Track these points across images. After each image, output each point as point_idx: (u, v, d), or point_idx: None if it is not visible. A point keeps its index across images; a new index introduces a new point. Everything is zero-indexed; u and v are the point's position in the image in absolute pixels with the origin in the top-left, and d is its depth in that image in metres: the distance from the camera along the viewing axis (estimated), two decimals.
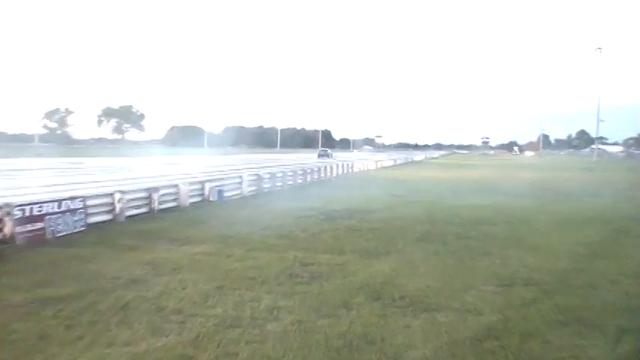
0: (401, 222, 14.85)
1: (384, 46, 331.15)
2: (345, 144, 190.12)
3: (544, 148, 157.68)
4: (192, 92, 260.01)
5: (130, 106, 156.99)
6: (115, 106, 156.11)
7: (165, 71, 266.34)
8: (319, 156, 78.32)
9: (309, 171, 31.62)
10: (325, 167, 35.95)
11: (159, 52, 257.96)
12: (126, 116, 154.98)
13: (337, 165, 40.31)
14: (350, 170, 43.19)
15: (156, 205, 16.22)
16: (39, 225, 11.58)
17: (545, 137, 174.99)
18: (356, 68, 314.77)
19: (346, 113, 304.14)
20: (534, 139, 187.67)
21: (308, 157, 73.50)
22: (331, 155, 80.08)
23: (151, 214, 15.69)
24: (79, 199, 12.96)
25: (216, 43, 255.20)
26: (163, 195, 16.97)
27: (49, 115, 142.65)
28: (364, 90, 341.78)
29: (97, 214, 13.83)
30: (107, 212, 14.24)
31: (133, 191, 15.82)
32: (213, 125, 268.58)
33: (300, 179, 29.31)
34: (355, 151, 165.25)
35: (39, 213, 11.64)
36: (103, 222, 13.83)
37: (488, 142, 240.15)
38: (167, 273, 8.75)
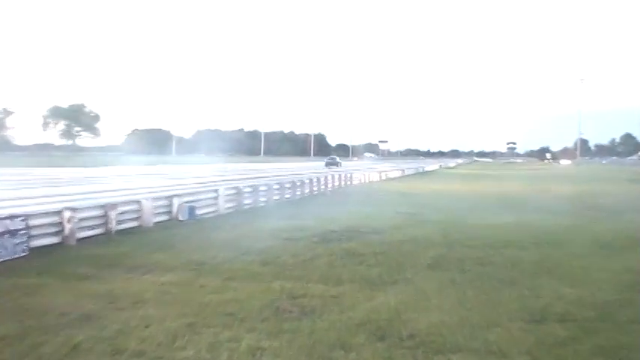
0: (410, 245, 14.87)
1: (389, 40, 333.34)
2: (342, 150, 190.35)
3: (582, 155, 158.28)
4: (158, 90, 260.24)
5: (82, 106, 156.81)
6: (64, 105, 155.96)
7: (124, 65, 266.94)
8: (327, 165, 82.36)
9: (299, 184, 31.64)
10: (318, 179, 35.99)
11: (116, 44, 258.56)
12: (77, 117, 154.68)
13: (333, 177, 40.33)
14: (348, 182, 43.19)
15: (113, 226, 16.18)
16: None
17: (584, 142, 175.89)
18: (356, 64, 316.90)
19: (344, 115, 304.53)
20: (570, 144, 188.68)
21: (299, 167, 73.53)
22: (340, 164, 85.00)
23: (107, 236, 15.65)
24: (20, 219, 12.91)
25: (187, 35, 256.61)
26: (122, 213, 16.93)
27: None
28: (366, 89, 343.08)
29: (43, 236, 13.78)
30: (54, 234, 14.20)
31: (85, 208, 15.78)
32: (183, 128, 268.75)
33: (288, 193, 29.32)
34: (355, 159, 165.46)
35: None
36: (50, 246, 13.77)
37: (514, 149, 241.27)
38: (127, 307, 8.72)
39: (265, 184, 27.94)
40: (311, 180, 34.48)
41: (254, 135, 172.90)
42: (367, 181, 48.71)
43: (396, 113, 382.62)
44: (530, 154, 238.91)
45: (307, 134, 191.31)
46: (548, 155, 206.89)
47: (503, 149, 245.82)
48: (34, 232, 13.35)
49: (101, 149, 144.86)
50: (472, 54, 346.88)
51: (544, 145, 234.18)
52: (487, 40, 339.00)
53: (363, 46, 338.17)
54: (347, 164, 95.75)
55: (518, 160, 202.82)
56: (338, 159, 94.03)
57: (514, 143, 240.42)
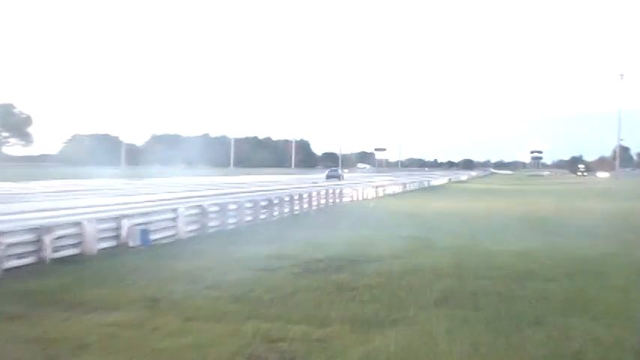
0: (413, 276, 14.87)
1: (386, 34, 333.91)
2: (330, 160, 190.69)
3: (622, 165, 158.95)
4: (104, 87, 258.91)
5: (11, 106, 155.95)
6: None
7: (62, 58, 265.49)
8: (328, 177, 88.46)
9: (276, 202, 31.62)
10: (300, 196, 35.96)
11: (53, 33, 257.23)
12: (4, 121, 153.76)
13: (318, 193, 40.35)
14: (337, 200, 43.28)
15: (49, 253, 16.07)
16: None
17: (624, 150, 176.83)
18: (347, 60, 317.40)
19: (332, 119, 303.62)
20: (608, 152, 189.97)
21: (276, 181, 73.52)
22: (343, 177, 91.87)
23: (41, 266, 15.54)
24: None
25: (140, 25, 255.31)
26: (60, 238, 16.82)
27: None
28: (360, 88, 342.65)
29: None
30: None
31: (13, 232, 15.67)
32: (135, 134, 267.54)
33: (263, 214, 29.28)
34: (345, 171, 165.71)
35: None
36: None
37: (540, 158, 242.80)
38: (64, 354, 8.66)
39: (235, 202, 27.89)
40: (291, 197, 34.48)
41: (222, 141, 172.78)
42: (361, 198, 48.88)
43: (397, 117, 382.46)
44: (560, 164, 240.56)
45: (287, 140, 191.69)
46: (581, 166, 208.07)
47: (527, 159, 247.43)
48: None
49: (34, 159, 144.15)
50: (487, 46, 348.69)
51: (576, 153, 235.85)
52: (504, 29, 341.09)
53: (355, 42, 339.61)
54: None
55: (545, 173, 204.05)
56: (340, 170, 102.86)
57: (539, 152, 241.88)
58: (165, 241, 20.74)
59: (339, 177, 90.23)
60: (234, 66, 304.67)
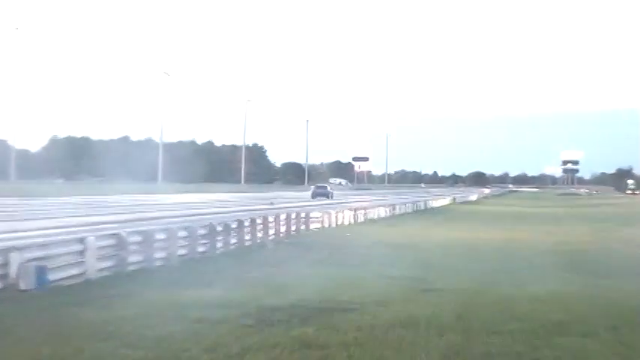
0: (405, 330, 14.89)
1: (376, 20, 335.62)
2: (293, 173, 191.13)
3: None
4: None
5: None
6: None
7: None
8: (314, 195, 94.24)
9: (220, 229, 31.51)
10: (253, 222, 35.85)
11: None
12: None
13: (277, 218, 40.29)
14: (302, 227, 43.24)
15: None
16: None
17: None
18: (320, 46, 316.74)
19: (296, 118, 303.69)
20: None
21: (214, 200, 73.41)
22: (332, 195, 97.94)
23: None
24: None
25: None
26: None
27: None
28: (333, 80, 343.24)
29: None
30: None
31: None
32: (29, 136, 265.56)
33: (202, 245, 29.18)
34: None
35: None
36: None
37: (575, 171, 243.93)
38: None
39: (165, 230, 27.75)
40: (241, 223, 34.37)
41: (147, 146, 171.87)
42: (334, 225, 49.00)
43: (383, 116, 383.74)
44: (602, 179, 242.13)
45: (235, 146, 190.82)
46: (630, 182, 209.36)
47: (558, 172, 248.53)
48: None
49: None
50: (502, 29, 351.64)
51: (622, 164, 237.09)
52: (522, 13, 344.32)
53: (326, 22, 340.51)
54: (298, 196, 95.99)
55: (582, 190, 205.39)
56: (329, 188, 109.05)
57: (574, 162, 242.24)
58: (69, 282, 20.61)
59: (327, 195, 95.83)
60: (162, 50, 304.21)
